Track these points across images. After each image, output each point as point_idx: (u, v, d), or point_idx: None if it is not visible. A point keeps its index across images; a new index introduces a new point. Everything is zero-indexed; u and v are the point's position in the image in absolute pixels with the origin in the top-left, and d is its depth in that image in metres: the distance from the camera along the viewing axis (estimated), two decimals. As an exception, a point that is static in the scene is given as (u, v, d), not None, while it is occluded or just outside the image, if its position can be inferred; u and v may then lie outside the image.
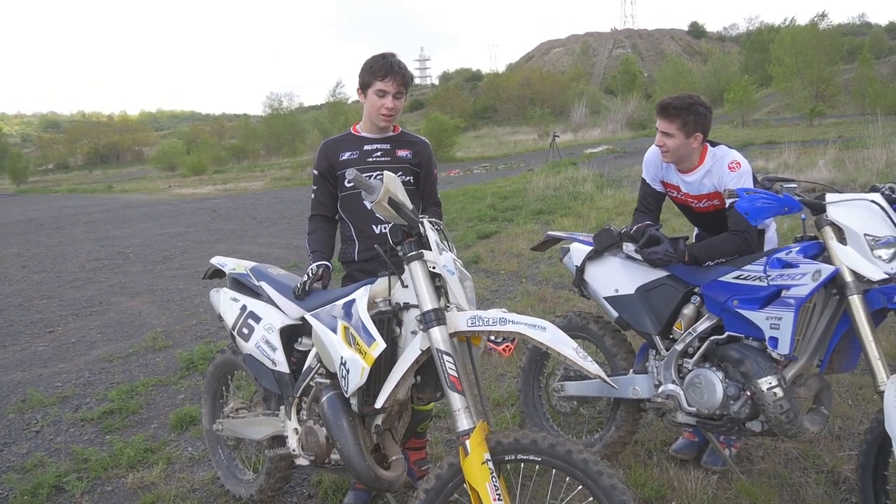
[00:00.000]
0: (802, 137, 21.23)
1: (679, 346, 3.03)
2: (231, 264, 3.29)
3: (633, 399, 3.23)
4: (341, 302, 2.62)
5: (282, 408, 2.92)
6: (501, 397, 4.31)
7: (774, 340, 2.65)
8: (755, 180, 3.03)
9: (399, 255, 2.43)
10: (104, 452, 3.96)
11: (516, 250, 8.97)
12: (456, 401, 2.26)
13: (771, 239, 3.28)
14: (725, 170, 3.05)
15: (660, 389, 3.08)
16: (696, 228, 3.57)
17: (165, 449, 4.00)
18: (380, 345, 2.37)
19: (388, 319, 2.49)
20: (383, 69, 3.06)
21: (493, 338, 5.58)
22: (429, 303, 2.33)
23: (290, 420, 2.87)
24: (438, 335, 2.28)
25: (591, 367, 2.21)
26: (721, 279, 2.93)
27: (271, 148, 57.73)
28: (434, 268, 2.37)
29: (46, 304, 8.30)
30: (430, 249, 2.39)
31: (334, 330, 2.55)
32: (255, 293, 3.08)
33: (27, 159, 58.33)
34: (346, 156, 3.17)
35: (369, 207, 2.37)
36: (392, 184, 2.27)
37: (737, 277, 2.88)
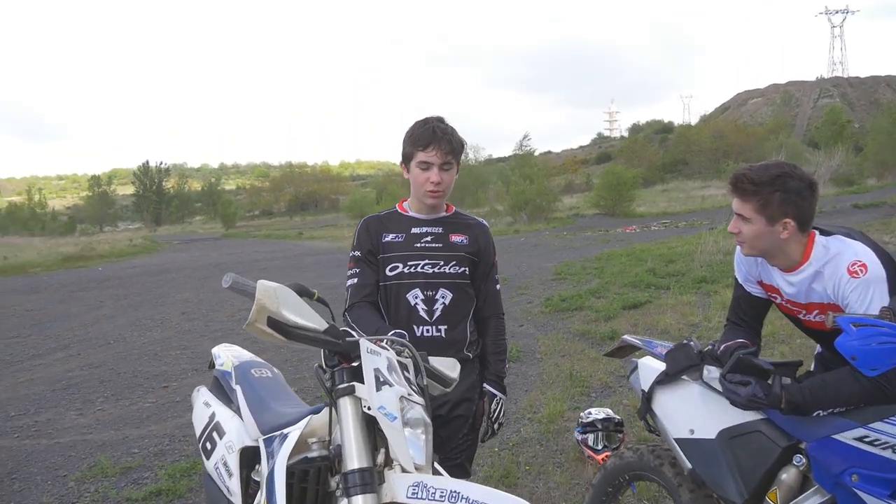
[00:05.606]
0: None
1: (772, 527, 2.09)
2: (223, 357, 2.80)
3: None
4: (279, 434, 2.03)
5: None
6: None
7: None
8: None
9: (327, 386, 1.81)
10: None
11: (662, 326, 7.88)
12: None
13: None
14: (843, 273, 2.09)
15: (741, 585, 2.15)
16: (819, 344, 2.57)
17: (183, 551, 3.58)
18: None
19: (319, 469, 1.85)
20: (425, 137, 2.52)
21: (590, 443, 4.63)
22: (354, 458, 1.67)
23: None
24: (362, 508, 1.61)
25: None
26: (836, 437, 1.98)
27: (455, 198, 58.68)
28: (369, 408, 1.71)
29: (177, 356, 8.44)
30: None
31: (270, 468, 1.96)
32: (230, 399, 2.56)
33: (236, 206, 63.99)
34: (389, 237, 2.66)
35: (244, 328, 1.76)
36: (270, 298, 1.65)
37: (860, 439, 1.93)
